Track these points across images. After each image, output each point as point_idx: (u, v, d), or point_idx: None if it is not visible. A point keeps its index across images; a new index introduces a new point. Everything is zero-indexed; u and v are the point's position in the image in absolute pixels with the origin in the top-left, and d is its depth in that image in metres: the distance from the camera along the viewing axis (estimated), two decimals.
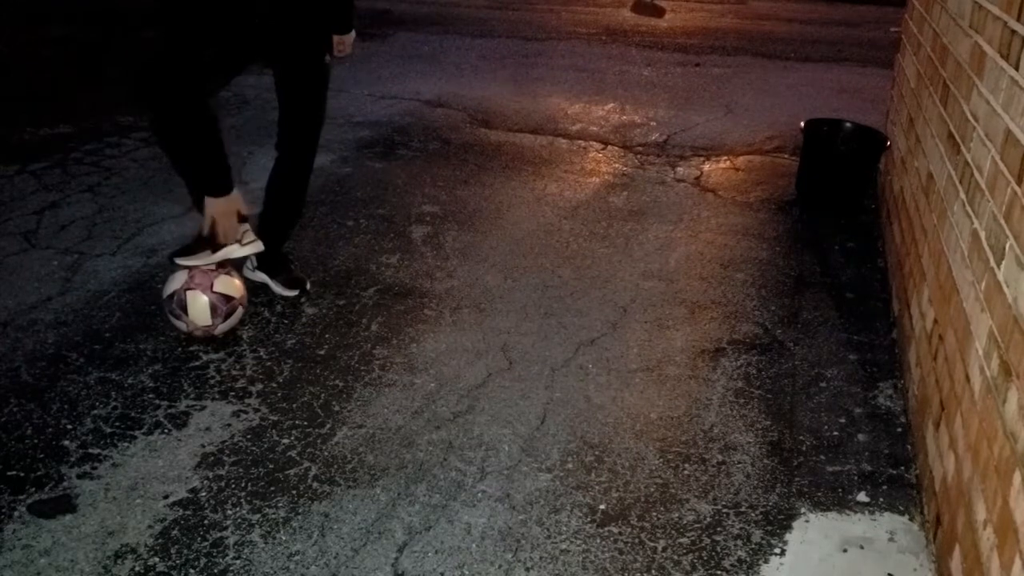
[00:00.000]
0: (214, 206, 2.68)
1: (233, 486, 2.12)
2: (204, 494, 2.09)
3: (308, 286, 3.10)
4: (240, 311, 2.79)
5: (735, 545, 1.99)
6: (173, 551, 1.92)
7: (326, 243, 3.50)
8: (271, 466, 2.20)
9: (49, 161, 4.26)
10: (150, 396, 2.47)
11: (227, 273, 2.80)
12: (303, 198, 3.08)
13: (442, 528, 2.01)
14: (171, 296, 2.71)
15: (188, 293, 2.69)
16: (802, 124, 4.13)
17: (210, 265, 2.76)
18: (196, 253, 2.76)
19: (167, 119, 2.59)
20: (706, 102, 5.89)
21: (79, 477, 2.14)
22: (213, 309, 2.70)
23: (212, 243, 2.77)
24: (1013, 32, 1.88)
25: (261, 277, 3.06)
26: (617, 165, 4.57)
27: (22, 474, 2.14)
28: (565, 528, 2.02)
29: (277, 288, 3.05)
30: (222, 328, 2.75)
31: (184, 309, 2.69)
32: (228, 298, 2.74)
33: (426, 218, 3.79)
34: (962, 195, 2.19)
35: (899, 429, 2.44)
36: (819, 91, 6.26)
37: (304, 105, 2.90)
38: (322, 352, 2.72)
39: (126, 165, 4.28)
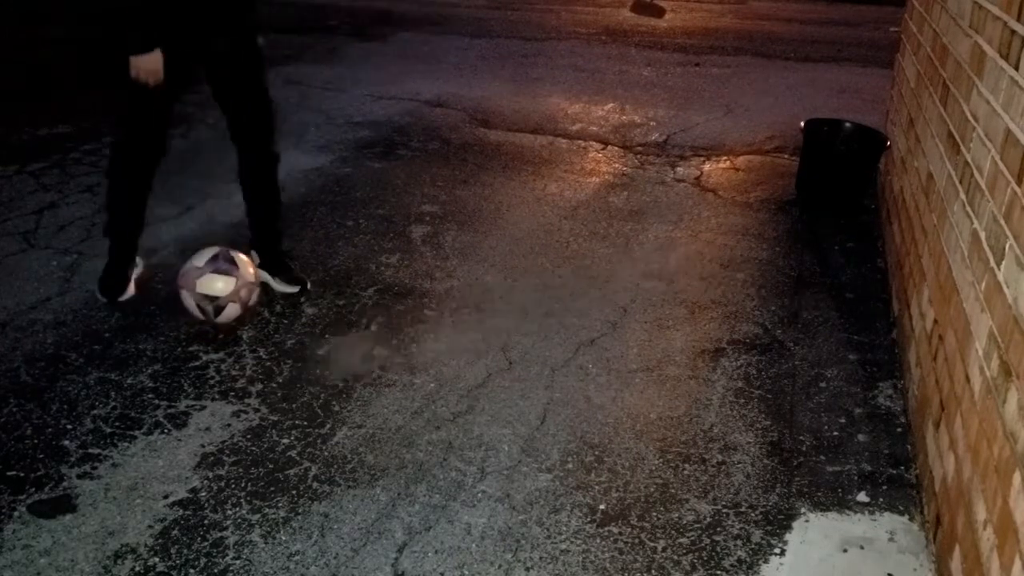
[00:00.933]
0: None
1: (233, 486, 2.12)
2: (204, 494, 2.09)
3: (308, 285, 3.10)
4: (257, 294, 2.91)
5: (735, 545, 1.99)
6: (173, 551, 1.92)
7: (326, 243, 3.50)
8: (271, 466, 2.20)
9: (48, 161, 4.26)
10: (150, 396, 2.47)
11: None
12: (276, 188, 3.12)
13: (442, 528, 2.01)
14: (215, 257, 2.78)
15: (233, 252, 2.81)
16: (802, 124, 4.13)
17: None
18: None
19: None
20: (706, 102, 5.89)
21: (79, 477, 2.14)
22: (256, 271, 2.88)
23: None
24: (1013, 32, 1.88)
25: (263, 276, 3.07)
26: (617, 165, 4.57)
27: (22, 474, 2.14)
28: (565, 528, 2.02)
29: (279, 286, 3.07)
30: (254, 299, 2.85)
31: (234, 263, 2.77)
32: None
33: (426, 218, 3.79)
34: (962, 195, 2.19)
35: (899, 429, 2.44)
36: (819, 91, 6.26)
37: (247, 94, 2.91)
38: (322, 352, 2.72)
39: None
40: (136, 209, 2.97)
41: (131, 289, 3.01)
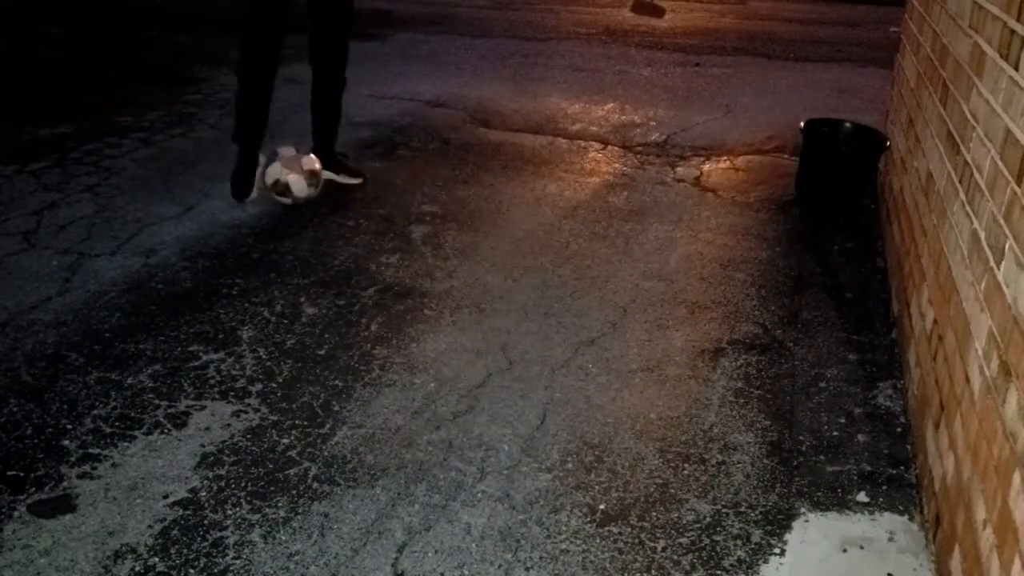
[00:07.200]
0: None
1: (233, 486, 2.12)
2: (204, 494, 2.09)
3: (367, 176, 4.03)
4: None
5: (735, 545, 1.99)
6: (173, 551, 1.92)
7: (326, 243, 3.50)
8: (271, 466, 2.20)
9: (49, 161, 4.26)
10: (150, 396, 2.47)
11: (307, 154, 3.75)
12: (339, 103, 3.92)
13: (442, 528, 2.01)
14: (294, 148, 3.70)
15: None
16: (802, 124, 4.13)
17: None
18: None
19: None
20: (706, 102, 5.89)
21: (79, 477, 2.14)
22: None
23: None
24: (1013, 32, 1.88)
25: (327, 175, 3.84)
26: (617, 165, 4.58)
27: (22, 474, 2.14)
28: (565, 528, 2.02)
29: (343, 179, 3.96)
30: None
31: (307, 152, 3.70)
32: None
33: (426, 218, 3.79)
34: (962, 195, 2.19)
35: (899, 429, 2.44)
36: (819, 91, 6.26)
37: (331, 24, 3.70)
38: (322, 352, 2.72)
39: (125, 165, 4.28)
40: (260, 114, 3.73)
41: (255, 192, 3.73)
